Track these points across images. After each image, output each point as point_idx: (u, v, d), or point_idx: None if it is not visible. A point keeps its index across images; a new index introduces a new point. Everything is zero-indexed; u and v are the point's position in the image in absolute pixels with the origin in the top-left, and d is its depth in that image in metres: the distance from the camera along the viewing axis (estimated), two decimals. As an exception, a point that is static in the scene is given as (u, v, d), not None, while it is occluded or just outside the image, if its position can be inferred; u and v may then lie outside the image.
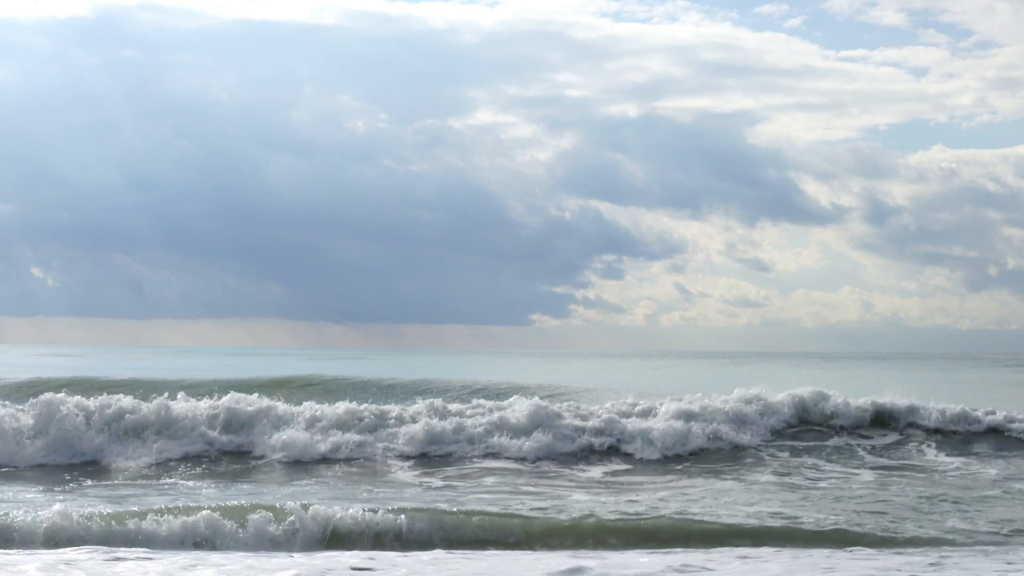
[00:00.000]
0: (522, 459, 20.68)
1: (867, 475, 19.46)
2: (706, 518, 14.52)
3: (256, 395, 22.82)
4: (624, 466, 20.49)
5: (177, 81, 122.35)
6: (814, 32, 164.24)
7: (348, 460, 20.51)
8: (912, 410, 24.13)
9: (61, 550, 12.42)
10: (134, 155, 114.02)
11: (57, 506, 13.68)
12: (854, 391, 25.39)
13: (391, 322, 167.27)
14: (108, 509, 14.15)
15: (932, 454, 21.98)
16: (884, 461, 21.17)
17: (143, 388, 26.07)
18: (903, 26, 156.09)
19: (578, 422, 22.15)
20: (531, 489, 17.40)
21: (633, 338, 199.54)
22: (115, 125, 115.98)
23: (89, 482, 17.96)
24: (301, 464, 20.23)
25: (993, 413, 24.09)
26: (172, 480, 18.23)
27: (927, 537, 13.79)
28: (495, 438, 21.32)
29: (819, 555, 12.55)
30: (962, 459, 21.31)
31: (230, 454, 20.86)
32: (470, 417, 22.26)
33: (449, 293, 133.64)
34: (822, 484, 18.28)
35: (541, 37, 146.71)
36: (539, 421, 21.83)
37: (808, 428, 23.57)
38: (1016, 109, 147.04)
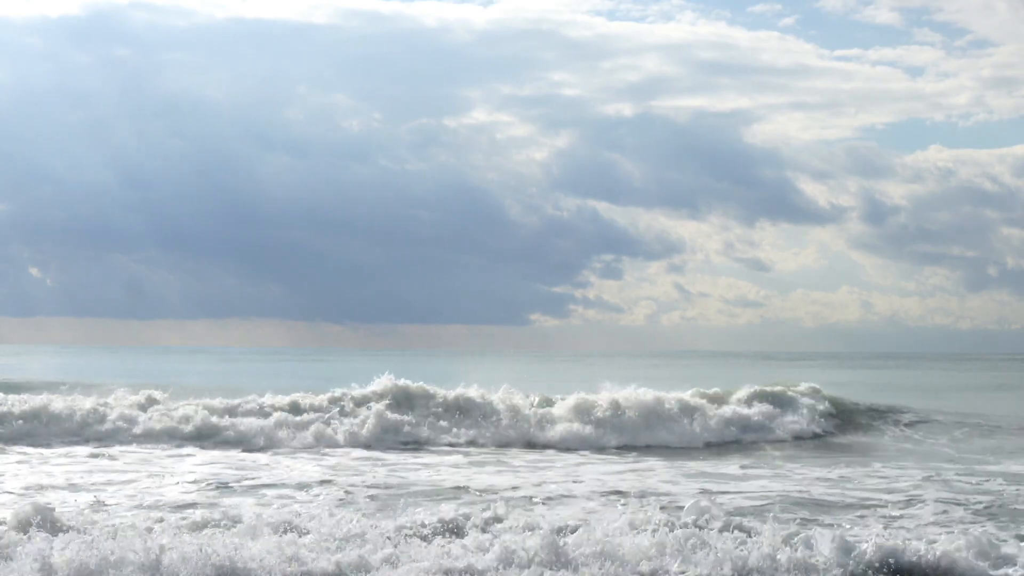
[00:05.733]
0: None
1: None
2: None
3: None
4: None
5: (170, 80, 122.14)
6: (808, 31, 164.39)
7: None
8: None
9: None
10: (129, 154, 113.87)
11: None
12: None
13: (390, 322, 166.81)
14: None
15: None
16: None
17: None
18: (897, 25, 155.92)
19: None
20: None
21: (633, 338, 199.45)
22: (109, 124, 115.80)
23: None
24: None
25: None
26: None
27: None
28: None
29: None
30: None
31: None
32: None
33: (448, 293, 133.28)
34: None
35: (535, 36, 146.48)
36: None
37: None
38: (1013, 108, 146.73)
